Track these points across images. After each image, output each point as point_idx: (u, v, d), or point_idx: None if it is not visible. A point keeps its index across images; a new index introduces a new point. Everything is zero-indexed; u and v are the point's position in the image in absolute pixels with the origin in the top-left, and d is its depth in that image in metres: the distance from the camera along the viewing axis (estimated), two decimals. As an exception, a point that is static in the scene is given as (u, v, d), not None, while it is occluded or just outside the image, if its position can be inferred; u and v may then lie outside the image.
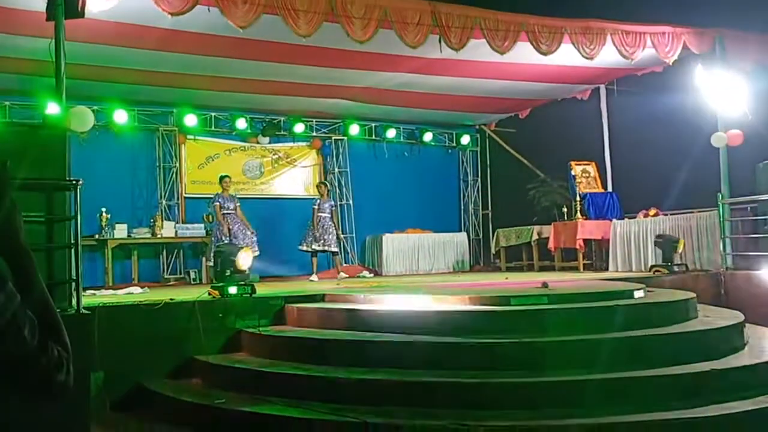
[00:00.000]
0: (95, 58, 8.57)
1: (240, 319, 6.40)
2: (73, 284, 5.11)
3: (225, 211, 10.34)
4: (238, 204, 10.57)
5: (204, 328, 6.14)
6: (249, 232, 10.36)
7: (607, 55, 9.07)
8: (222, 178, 10.69)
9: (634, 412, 4.20)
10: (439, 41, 8.12)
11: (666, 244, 9.15)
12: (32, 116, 9.89)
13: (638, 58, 9.16)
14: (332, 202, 11.49)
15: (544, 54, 8.67)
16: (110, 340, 5.42)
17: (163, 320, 6.12)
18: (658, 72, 10.27)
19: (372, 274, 12.08)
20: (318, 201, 11.07)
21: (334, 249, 10.99)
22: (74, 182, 5.18)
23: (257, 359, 5.85)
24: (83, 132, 7.61)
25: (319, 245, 10.78)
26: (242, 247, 7.73)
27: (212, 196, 10.66)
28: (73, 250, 5.12)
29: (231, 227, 10.20)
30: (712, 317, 6.18)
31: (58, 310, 1.38)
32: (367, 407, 4.55)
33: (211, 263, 10.08)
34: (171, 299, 6.48)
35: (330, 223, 10.93)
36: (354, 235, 13.10)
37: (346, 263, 12.56)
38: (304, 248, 10.88)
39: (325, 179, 12.73)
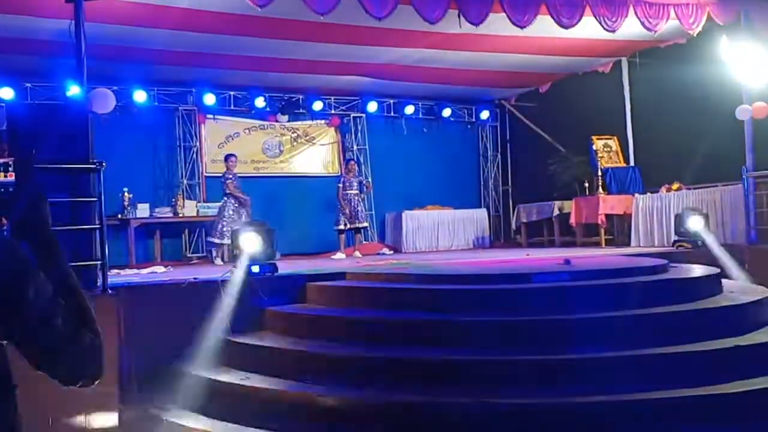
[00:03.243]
0: (114, 38, 8.59)
1: (263, 298, 6.45)
2: (99, 264, 5.19)
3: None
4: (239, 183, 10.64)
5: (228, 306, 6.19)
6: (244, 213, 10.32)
7: (630, 27, 8.91)
8: (228, 157, 10.69)
9: (657, 389, 4.20)
10: (458, 16, 8.02)
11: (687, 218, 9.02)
12: (53, 98, 9.97)
13: (661, 30, 8.99)
14: (360, 179, 11.62)
15: (565, 27, 8.53)
16: (135, 320, 5.48)
17: (187, 299, 6.18)
18: (681, 44, 10.06)
19: (392, 252, 12.11)
20: (342, 178, 11.21)
21: (365, 224, 11.38)
22: (98, 164, 5.24)
23: (281, 337, 5.91)
24: (104, 113, 7.64)
25: (351, 223, 11.02)
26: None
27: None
28: (98, 231, 5.19)
29: (235, 206, 10.34)
30: (737, 292, 6.13)
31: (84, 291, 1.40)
32: (390, 385, 4.59)
33: (219, 239, 10.17)
34: (195, 278, 6.54)
35: (358, 199, 11.18)
36: (373, 212, 13.09)
37: (366, 241, 12.59)
38: (341, 227, 11.06)
39: (345, 157, 12.79)
